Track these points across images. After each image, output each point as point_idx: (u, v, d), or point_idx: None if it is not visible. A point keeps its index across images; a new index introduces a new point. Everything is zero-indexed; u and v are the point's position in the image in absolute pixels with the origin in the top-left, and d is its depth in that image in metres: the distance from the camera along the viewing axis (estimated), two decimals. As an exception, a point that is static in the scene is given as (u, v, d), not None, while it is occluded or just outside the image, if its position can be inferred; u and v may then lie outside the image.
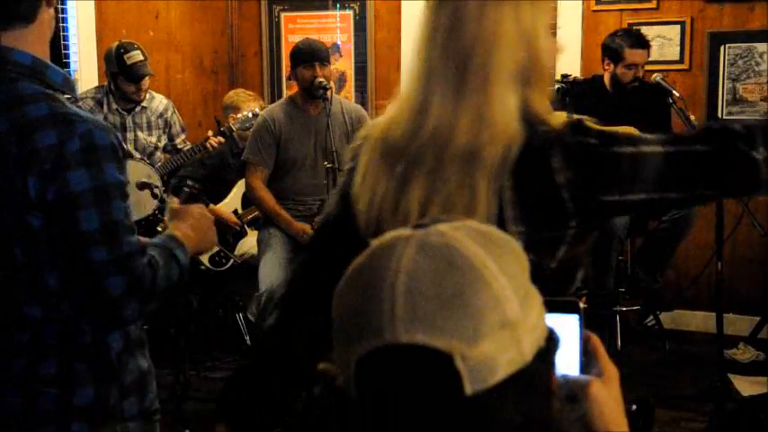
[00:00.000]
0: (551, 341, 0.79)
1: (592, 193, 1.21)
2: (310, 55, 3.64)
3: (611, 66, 4.03)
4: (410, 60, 1.28)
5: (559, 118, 1.25)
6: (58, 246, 1.43)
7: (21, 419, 1.49)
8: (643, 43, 3.98)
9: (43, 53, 1.53)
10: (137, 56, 3.98)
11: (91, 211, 1.41)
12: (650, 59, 4.52)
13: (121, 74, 3.97)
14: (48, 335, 1.48)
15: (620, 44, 3.98)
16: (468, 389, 0.73)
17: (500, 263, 0.77)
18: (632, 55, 3.95)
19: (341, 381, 0.79)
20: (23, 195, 1.40)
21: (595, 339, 0.94)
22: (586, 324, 0.95)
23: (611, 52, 4.04)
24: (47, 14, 1.52)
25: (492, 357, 0.73)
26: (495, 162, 1.18)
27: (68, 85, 1.57)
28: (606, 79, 4.10)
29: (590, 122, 1.24)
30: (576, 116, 1.24)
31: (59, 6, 4.33)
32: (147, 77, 4.05)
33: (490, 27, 1.21)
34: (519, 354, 0.75)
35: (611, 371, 0.94)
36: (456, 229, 0.78)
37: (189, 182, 1.99)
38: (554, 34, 4.78)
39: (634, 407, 1.11)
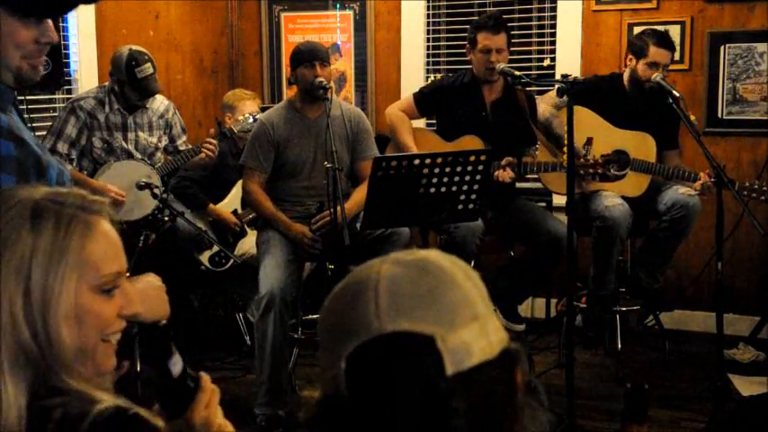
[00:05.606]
0: (514, 348, 0.90)
1: None
2: (311, 54, 3.64)
3: (633, 61, 4.01)
4: None
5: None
6: None
7: None
8: (668, 44, 3.97)
9: None
10: (147, 69, 3.93)
11: None
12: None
13: (130, 84, 3.94)
14: None
15: (646, 41, 3.96)
16: (449, 369, 0.82)
17: (466, 274, 0.90)
18: (656, 54, 3.93)
19: (327, 384, 0.86)
20: None
21: None
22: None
23: (635, 48, 4.02)
24: None
25: (468, 343, 0.84)
26: None
27: None
28: (626, 76, 4.07)
29: (147, 416, 1.11)
30: (130, 409, 1.09)
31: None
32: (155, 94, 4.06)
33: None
34: (488, 345, 0.86)
35: None
36: (427, 251, 0.92)
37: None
38: (554, 35, 4.79)
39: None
